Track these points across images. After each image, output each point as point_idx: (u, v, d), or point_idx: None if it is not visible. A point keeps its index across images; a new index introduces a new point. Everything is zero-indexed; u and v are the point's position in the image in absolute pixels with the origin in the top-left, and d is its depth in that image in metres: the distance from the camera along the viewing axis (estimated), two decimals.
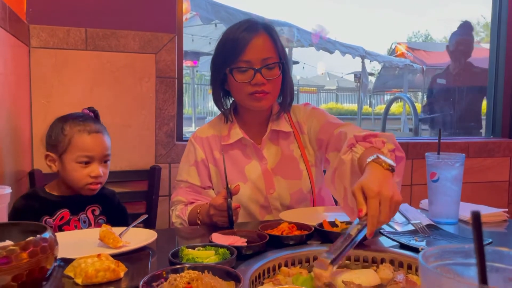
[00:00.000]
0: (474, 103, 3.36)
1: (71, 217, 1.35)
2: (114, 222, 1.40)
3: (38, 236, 0.74)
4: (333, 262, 0.82)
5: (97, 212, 1.41)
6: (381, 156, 1.01)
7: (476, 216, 0.31)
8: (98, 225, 1.37)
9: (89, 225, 1.38)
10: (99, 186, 1.36)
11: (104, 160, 1.38)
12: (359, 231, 0.88)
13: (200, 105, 11.80)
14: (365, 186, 0.92)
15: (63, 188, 1.38)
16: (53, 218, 1.33)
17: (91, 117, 1.42)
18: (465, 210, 1.29)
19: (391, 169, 0.99)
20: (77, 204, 1.38)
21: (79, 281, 0.78)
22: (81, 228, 1.35)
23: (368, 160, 1.01)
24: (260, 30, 1.34)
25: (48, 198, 1.36)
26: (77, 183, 1.34)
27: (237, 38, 1.32)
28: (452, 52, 3.34)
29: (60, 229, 1.32)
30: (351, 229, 0.88)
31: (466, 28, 3.33)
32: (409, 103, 3.43)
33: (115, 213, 1.45)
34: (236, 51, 1.32)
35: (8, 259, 0.68)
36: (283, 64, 1.37)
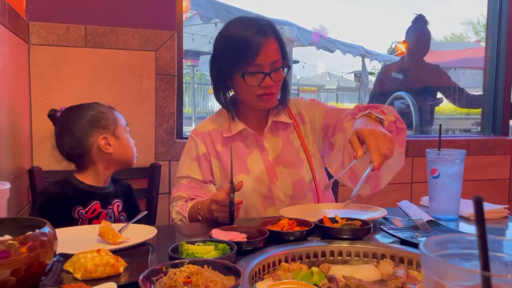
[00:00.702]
0: (425, 102, 3.31)
1: (101, 210, 1.35)
2: (130, 218, 1.41)
3: (37, 230, 0.74)
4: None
5: (120, 208, 1.42)
6: (371, 111, 1.18)
7: (478, 201, 0.31)
8: (119, 221, 1.38)
9: (114, 222, 1.37)
10: None
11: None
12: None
13: (201, 104, 11.79)
14: (358, 131, 1.08)
15: (94, 177, 1.38)
16: (86, 209, 1.33)
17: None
18: (466, 207, 1.29)
19: (380, 121, 1.15)
20: (106, 196, 1.39)
21: (78, 276, 0.77)
22: None
23: (358, 116, 1.19)
24: (270, 34, 1.35)
25: (82, 187, 1.35)
26: (132, 153, 1.44)
27: (249, 42, 1.31)
28: (410, 48, 3.28)
29: (90, 223, 1.31)
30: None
31: (420, 22, 3.23)
32: (410, 101, 3.42)
33: (133, 210, 1.46)
34: (249, 56, 1.32)
35: (7, 253, 0.68)
36: (288, 66, 1.40)
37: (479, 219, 0.31)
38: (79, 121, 1.36)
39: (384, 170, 1.18)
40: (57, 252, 0.80)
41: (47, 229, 0.76)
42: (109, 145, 1.36)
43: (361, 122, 1.14)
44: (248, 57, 1.32)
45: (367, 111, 1.18)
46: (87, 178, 1.37)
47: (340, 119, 1.36)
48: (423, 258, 0.35)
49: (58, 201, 1.30)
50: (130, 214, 1.44)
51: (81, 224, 1.29)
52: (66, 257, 0.83)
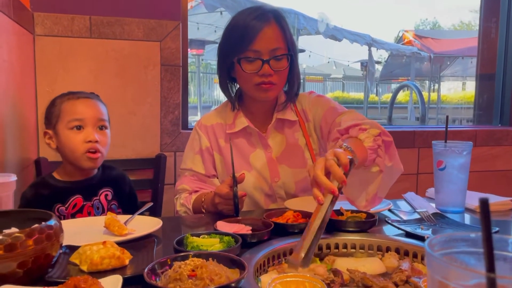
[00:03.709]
0: None
1: (84, 203, 1.33)
2: (124, 208, 1.40)
3: (43, 223, 0.75)
4: (304, 262, 0.79)
5: (109, 197, 1.38)
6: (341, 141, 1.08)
7: (484, 202, 0.30)
8: (111, 211, 1.35)
9: (102, 212, 1.35)
10: (98, 155, 1.31)
11: (99, 125, 1.32)
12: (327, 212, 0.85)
13: (206, 94, 11.78)
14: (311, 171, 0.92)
15: (71, 172, 1.35)
16: (66, 205, 1.31)
17: (84, 91, 1.38)
18: (472, 199, 1.28)
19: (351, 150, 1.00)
20: (89, 188, 1.35)
21: (84, 268, 0.78)
22: (94, 215, 1.32)
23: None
24: (270, 20, 1.31)
25: (59, 185, 1.33)
26: (75, 153, 1.29)
27: (247, 27, 1.29)
28: None
29: (73, 217, 1.28)
30: (319, 220, 0.84)
31: None
32: (416, 91, 3.40)
33: (126, 198, 1.44)
34: (245, 40, 1.29)
35: (14, 246, 0.69)
36: (291, 55, 1.35)
37: (485, 220, 0.30)
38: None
39: (378, 187, 1.12)
40: (63, 244, 0.81)
41: (53, 221, 0.77)
42: (52, 140, 1.32)
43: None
44: (245, 42, 1.29)
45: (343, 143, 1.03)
46: (63, 175, 1.35)
47: (334, 124, 1.30)
48: (427, 257, 0.35)
49: (35, 203, 1.27)
50: (123, 202, 1.41)
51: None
52: (73, 249, 0.84)
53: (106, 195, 1.38)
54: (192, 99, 8.84)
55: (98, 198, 1.36)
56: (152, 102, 2.01)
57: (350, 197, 1.17)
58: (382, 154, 1.09)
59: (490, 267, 0.30)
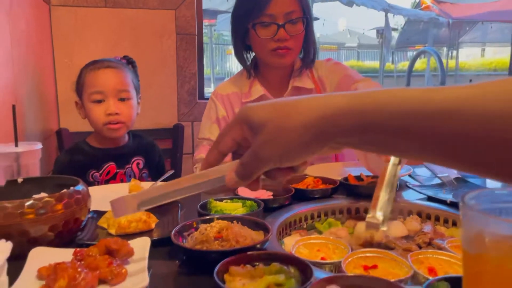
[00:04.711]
0: None
1: (117, 170, 1.35)
2: (154, 177, 1.41)
3: (71, 188, 0.76)
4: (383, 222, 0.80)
5: (141, 165, 1.40)
6: None
7: None
8: (142, 179, 1.37)
9: None
10: (119, 126, 1.31)
11: (120, 97, 1.32)
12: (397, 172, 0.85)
13: (219, 65, 11.68)
14: None
15: (102, 140, 1.36)
16: (100, 172, 1.33)
17: (112, 58, 1.38)
18: None
19: None
20: (122, 156, 1.37)
21: (112, 231, 0.80)
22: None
23: None
24: None
25: (93, 152, 1.35)
26: (97, 124, 1.31)
27: None
28: None
29: (107, 184, 1.30)
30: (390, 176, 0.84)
31: None
32: (436, 57, 3.29)
33: (156, 167, 1.45)
34: (259, 5, 1.28)
35: (45, 210, 0.71)
36: (307, 18, 1.33)
37: None
38: None
39: None
40: (91, 209, 0.83)
41: (80, 187, 0.78)
42: (82, 110, 1.34)
43: None
44: (259, 6, 1.28)
45: None
46: (95, 142, 1.37)
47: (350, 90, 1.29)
48: (462, 210, 0.35)
49: (69, 168, 1.29)
50: (153, 171, 1.43)
51: None
52: (100, 214, 0.86)
53: (138, 163, 1.40)
54: (205, 70, 8.77)
55: (130, 166, 1.39)
56: (168, 72, 2.01)
57: (368, 169, 1.17)
58: None
59: None
